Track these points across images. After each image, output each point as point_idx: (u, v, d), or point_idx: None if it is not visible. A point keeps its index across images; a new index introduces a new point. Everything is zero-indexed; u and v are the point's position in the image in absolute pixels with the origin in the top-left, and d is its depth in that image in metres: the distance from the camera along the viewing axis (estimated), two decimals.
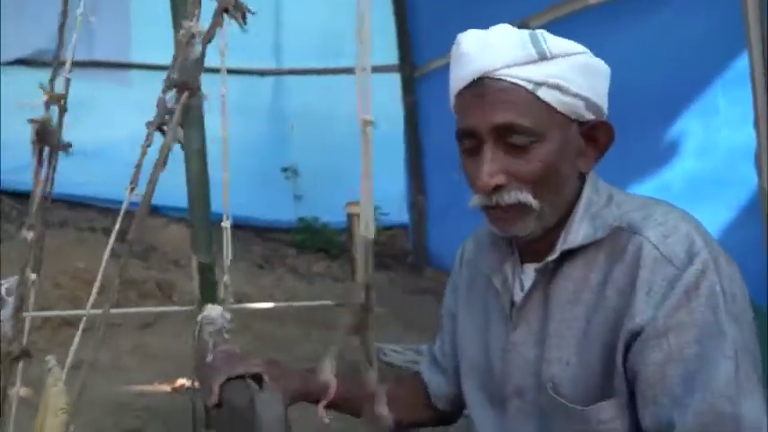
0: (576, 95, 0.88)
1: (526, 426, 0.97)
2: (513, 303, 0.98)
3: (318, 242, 4.85)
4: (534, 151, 0.88)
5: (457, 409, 1.16)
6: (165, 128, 0.69)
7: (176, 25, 0.68)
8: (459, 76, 0.90)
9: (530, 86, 0.86)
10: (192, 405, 0.93)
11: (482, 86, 0.88)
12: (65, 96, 0.83)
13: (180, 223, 4.28)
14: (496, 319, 1.01)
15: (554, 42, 0.88)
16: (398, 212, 4.89)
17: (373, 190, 0.34)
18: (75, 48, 1.04)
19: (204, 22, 0.71)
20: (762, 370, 0.84)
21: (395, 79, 4.61)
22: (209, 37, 0.65)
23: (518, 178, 0.89)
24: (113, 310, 0.93)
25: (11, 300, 0.90)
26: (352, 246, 2.61)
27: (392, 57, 4.58)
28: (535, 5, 2.99)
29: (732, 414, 0.78)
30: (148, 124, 0.72)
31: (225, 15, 0.63)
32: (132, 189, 0.84)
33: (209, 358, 1.01)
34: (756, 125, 2.11)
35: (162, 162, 0.61)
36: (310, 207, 4.88)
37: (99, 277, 0.92)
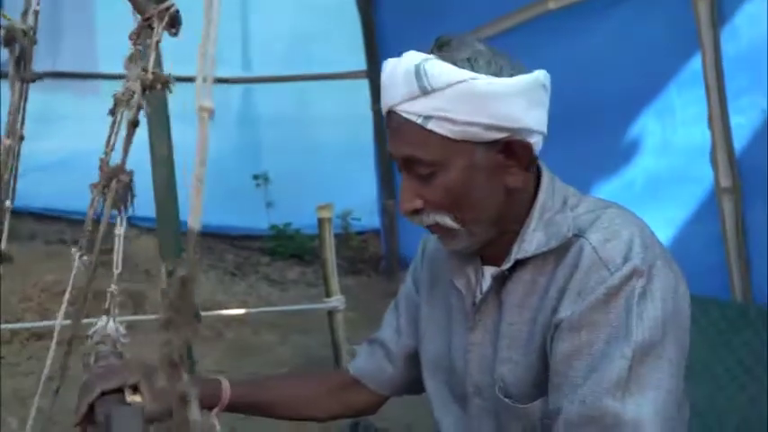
0: (466, 123, 0.87)
1: (486, 423, 1.00)
2: (474, 304, 1.01)
3: (291, 248, 4.86)
4: (438, 179, 0.91)
5: (398, 392, 1.19)
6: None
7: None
8: (381, 104, 0.95)
9: (419, 120, 0.88)
10: None
11: (391, 119, 0.92)
12: None
13: (151, 233, 4.26)
14: (458, 319, 1.04)
15: (435, 75, 0.86)
16: (370, 217, 4.92)
17: (204, 177, 0.35)
18: (38, 60, 1.06)
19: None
20: (683, 371, 0.88)
21: (364, 86, 4.64)
22: (137, 48, 0.65)
23: (430, 204, 0.93)
24: (84, 321, 0.94)
25: None
26: (323, 250, 2.62)
27: (360, 63, 4.62)
28: (497, 11, 3.04)
29: (614, 409, 0.82)
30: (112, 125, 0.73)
31: (154, 26, 0.63)
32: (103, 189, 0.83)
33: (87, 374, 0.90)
34: (710, 124, 2.18)
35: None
36: (282, 214, 4.88)
37: (69, 289, 0.92)
